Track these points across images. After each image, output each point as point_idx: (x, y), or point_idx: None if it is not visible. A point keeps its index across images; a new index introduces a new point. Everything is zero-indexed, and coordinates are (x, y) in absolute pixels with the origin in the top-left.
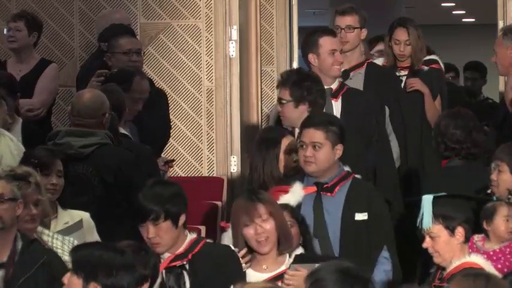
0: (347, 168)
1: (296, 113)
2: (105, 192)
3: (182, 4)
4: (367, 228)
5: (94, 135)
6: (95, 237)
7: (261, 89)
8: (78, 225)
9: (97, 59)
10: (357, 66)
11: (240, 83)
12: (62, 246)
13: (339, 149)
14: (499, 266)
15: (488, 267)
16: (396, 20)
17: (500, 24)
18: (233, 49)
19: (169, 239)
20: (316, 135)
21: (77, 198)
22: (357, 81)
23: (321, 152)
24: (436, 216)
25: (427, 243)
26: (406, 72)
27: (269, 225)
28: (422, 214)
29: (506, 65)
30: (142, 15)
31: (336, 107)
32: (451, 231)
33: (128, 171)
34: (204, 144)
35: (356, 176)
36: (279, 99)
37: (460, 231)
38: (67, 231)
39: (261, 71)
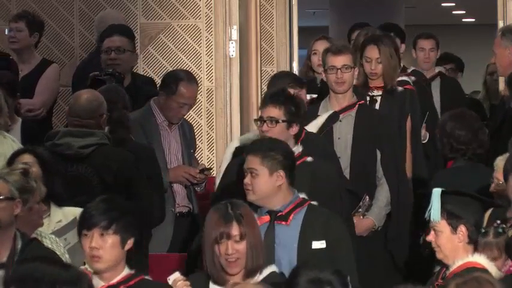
0: (302, 195)
1: (287, 135)
2: (104, 192)
3: (182, 4)
4: (326, 257)
5: (93, 136)
6: None
7: (261, 89)
8: (72, 224)
9: (95, 57)
10: (348, 108)
11: (240, 83)
12: (52, 245)
13: (281, 175)
14: None
15: (491, 267)
16: (368, 37)
17: (500, 24)
18: (233, 49)
19: (113, 257)
20: (252, 162)
21: (76, 198)
22: (347, 123)
23: (258, 179)
24: (442, 211)
25: (430, 237)
26: (379, 92)
27: (241, 246)
28: (431, 207)
29: (505, 65)
30: (142, 15)
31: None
32: (454, 228)
33: (127, 172)
34: (204, 144)
35: (312, 202)
36: (270, 118)
37: (462, 230)
38: (61, 232)
39: (261, 71)
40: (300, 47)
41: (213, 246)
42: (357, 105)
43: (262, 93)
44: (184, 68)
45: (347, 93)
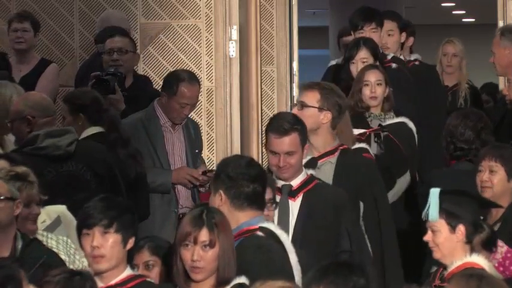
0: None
1: None
2: (99, 185)
3: (182, 4)
4: None
5: (69, 133)
6: None
7: (261, 89)
8: (57, 222)
9: (96, 58)
10: (328, 154)
11: (240, 83)
12: (57, 246)
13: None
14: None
15: (490, 267)
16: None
17: (500, 24)
18: (233, 49)
19: (115, 256)
20: None
21: (74, 197)
22: (325, 171)
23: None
24: (441, 210)
25: (427, 237)
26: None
27: (208, 254)
28: (429, 207)
29: (504, 65)
30: (142, 15)
31: (293, 208)
32: (453, 228)
33: (111, 162)
34: (204, 144)
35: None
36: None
37: (461, 229)
38: (47, 231)
39: (261, 71)
40: (300, 47)
41: (179, 250)
42: (338, 150)
43: (262, 93)
44: (184, 68)
45: (328, 136)
